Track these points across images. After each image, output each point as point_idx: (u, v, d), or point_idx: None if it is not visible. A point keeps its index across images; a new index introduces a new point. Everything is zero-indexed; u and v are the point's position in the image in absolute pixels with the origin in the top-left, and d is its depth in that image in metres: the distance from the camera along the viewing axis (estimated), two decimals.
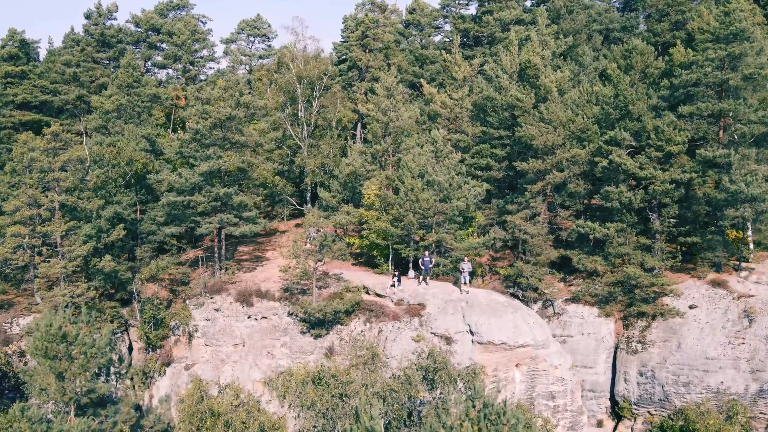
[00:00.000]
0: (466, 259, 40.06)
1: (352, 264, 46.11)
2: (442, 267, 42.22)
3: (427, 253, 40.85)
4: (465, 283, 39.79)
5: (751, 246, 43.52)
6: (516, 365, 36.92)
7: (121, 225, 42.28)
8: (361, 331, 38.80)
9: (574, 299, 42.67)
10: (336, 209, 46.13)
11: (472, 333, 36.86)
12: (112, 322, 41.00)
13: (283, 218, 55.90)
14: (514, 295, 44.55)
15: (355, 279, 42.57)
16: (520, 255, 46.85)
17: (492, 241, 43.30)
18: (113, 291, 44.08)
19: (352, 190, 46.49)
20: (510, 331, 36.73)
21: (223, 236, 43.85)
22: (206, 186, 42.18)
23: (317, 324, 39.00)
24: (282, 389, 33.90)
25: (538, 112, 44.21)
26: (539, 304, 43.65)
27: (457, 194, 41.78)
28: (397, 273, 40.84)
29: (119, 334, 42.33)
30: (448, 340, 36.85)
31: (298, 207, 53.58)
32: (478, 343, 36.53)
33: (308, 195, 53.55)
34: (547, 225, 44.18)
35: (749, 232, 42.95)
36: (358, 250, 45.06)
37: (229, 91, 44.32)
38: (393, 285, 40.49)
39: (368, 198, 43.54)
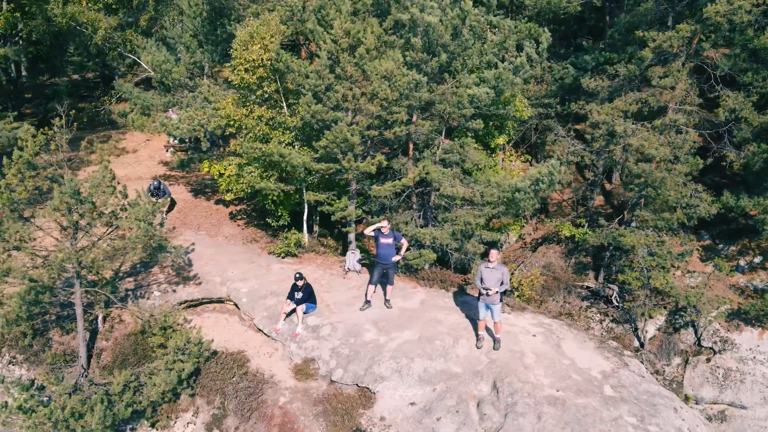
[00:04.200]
0: (493, 256, 13.68)
1: (230, 217, 20.38)
2: (431, 249, 16.55)
3: (387, 225, 14.93)
4: (491, 318, 14.05)
5: None
6: None
7: None
8: None
9: (752, 318, 17.44)
10: (182, 88, 19.18)
11: None
12: None
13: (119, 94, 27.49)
14: (595, 294, 19.43)
15: (215, 267, 17.04)
16: (601, 183, 21.44)
17: (558, 178, 16.80)
18: None
19: (218, 45, 19.20)
20: None
21: None
22: None
23: None
24: None
25: None
26: (660, 320, 18.54)
27: (473, 60, 15.39)
28: (300, 280, 14.90)
29: None
30: None
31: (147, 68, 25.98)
32: None
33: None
34: (690, 133, 17.87)
35: None
36: (230, 196, 18.72)
37: None
38: (293, 310, 14.98)
39: (241, 76, 16.54)
